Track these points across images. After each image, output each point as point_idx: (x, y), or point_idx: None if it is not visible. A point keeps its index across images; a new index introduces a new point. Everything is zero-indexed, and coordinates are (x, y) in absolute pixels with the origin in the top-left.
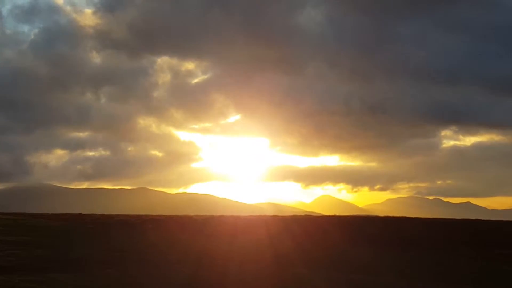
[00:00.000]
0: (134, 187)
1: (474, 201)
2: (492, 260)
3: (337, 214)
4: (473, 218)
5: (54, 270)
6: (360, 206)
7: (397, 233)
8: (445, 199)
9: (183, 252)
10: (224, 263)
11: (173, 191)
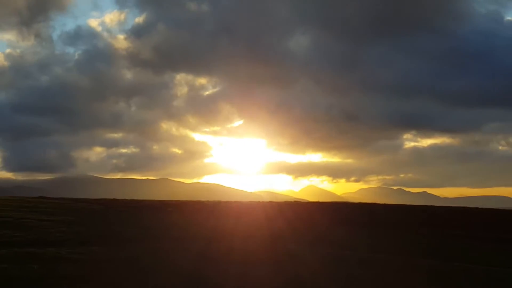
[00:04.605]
0: (158, 178)
1: (429, 190)
2: (443, 238)
3: (320, 200)
4: (429, 204)
5: (93, 244)
6: (339, 194)
7: (369, 216)
8: (406, 189)
9: (197, 230)
10: (230, 238)
11: (189, 181)
